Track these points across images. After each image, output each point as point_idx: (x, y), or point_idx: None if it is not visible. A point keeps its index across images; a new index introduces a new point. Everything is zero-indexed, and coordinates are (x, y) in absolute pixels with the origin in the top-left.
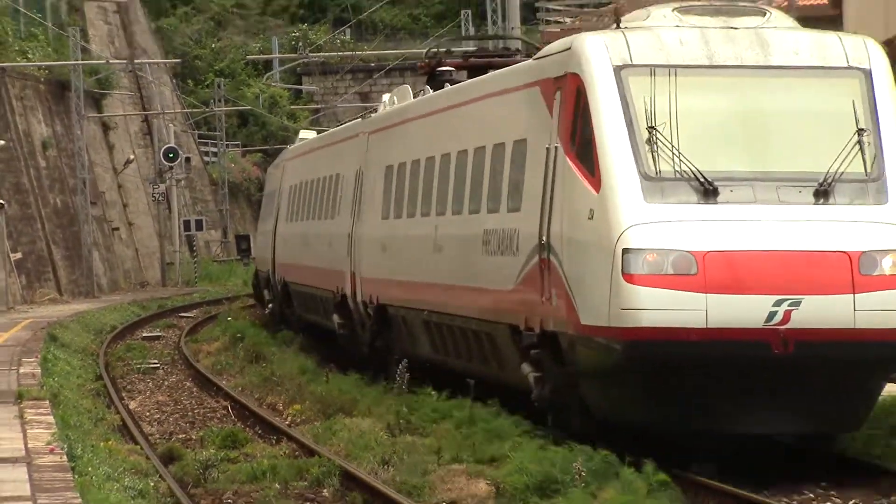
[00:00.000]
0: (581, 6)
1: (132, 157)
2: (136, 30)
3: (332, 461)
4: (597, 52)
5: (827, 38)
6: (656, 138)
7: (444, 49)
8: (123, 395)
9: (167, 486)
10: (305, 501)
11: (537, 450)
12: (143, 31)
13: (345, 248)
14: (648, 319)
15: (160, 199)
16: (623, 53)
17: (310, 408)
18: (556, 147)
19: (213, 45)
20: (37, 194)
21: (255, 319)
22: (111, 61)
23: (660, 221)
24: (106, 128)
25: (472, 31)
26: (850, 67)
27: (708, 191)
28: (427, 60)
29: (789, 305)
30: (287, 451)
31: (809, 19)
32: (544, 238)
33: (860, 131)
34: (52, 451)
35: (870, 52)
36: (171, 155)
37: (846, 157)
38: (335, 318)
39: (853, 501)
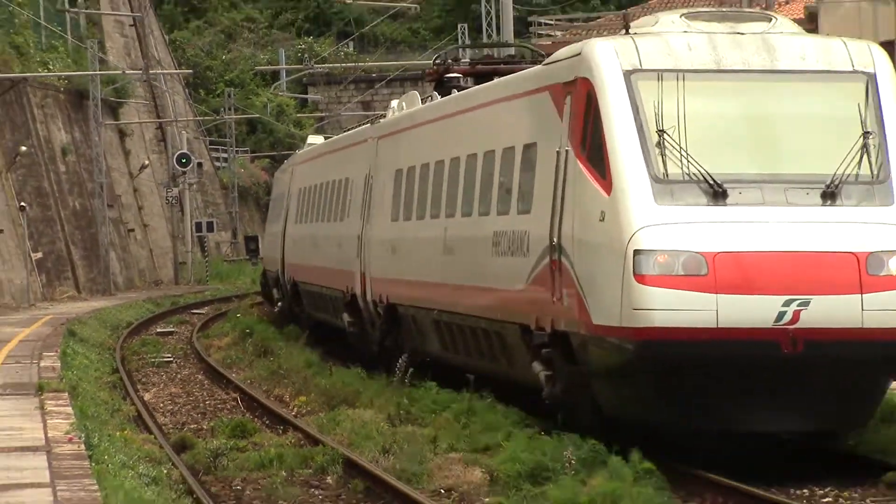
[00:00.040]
0: (571, 20)
1: (147, 162)
2: (150, 42)
3: (335, 450)
4: (607, 58)
5: (832, 42)
6: (666, 141)
7: (451, 57)
8: (138, 387)
9: (179, 473)
10: (310, 488)
11: (529, 439)
12: (158, 44)
13: (355, 249)
14: (660, 319)
15: (173, 202)
16: (633, 58)
17: (315, 399)
18: (566, 150)
19: (224, 57)
20: (57, 197)
21: (263, 316)
22: (127, 72)
23: (670, 223)
24: (122, 135)
25: (468, 43)
26: (855, 71)
27: (717, 193)
28: (435, 67)
29: (798, 305)
30: (293, 441)
31: None
32: (555, 239)
33: (866, 134)
34: (70, 441)
35: (874, 57)
36: (184, 160)
37: (853, 159)
38: (345, 316)
39: (858, 495)
